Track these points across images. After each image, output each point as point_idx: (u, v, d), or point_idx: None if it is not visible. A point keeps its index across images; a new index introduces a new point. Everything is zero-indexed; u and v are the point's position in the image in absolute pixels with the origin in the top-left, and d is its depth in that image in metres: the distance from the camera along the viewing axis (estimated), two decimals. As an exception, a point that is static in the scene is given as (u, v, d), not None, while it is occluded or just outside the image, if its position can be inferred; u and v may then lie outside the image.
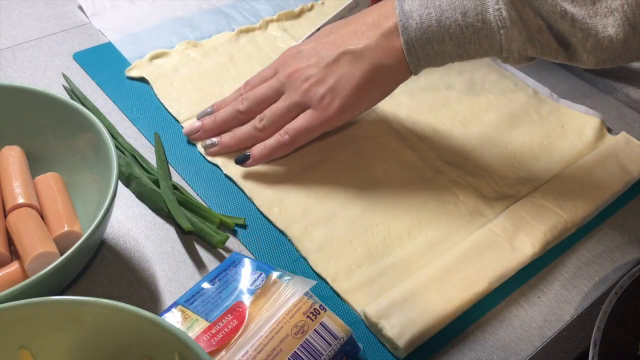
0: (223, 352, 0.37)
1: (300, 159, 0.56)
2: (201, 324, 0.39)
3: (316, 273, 0.48)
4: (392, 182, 0.55)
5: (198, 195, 0.53)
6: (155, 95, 0.62)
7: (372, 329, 0.45)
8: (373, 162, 0.57)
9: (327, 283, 0.47)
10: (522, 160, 0.58)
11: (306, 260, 0.49)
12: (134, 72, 0.64)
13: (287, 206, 0.52)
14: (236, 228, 0.51)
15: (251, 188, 0.53)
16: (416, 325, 0.43)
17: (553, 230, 0.51)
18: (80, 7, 0.73)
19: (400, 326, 0.43)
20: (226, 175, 0.55)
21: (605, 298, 0.43)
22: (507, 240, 0.49)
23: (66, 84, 0.62)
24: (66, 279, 0.43)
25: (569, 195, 0.53)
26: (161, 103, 0.61)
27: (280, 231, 0.51)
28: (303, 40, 0.61)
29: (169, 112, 0.61)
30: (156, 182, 0.52)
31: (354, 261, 0.49)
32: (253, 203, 0.53)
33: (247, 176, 0.54)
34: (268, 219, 0.51)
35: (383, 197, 0.54)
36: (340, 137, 0.59)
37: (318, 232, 0.50)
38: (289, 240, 0.50)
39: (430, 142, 0.59)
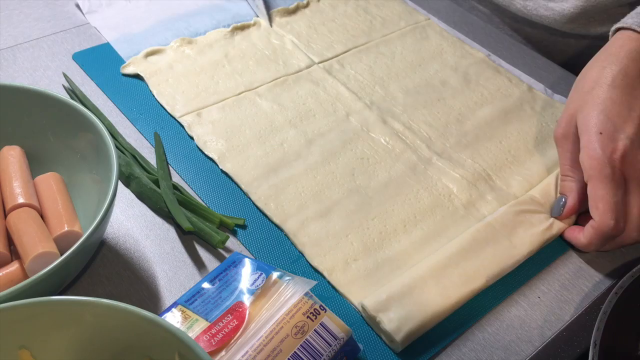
0: (223, 352, 0.37)
1: (295, 154, 0.57)
2: (201, 324, 0.39)
3: (313, 267, 0.48)
4: (387, 177, 0.56)
5: (198, 195, 0.53)
6: (151, 92, 0.62)
7: (369, 322, 0.45)
8: (368, 157, 0.57)
9: (324, 277, 0.48)
10: (517, 155, 0.59)
11: (303, 255, 0.49)
12: (129, 69, 0.65)
13: (283, 201, 0.52)
14: (236, 228, 0.51)
15: (247, 184, 0.54)
16: (413, 320, 0.43)
17: (551, 228, 0.51)
18: (77, 5, 0.73)
19: (398, 320, 0.43)
20: (222, 171, 0.55)
21: (605, 298, 0.43)
22: (506, 236, 0.50)
23: (66, 84, 0.62)
24: (66, 279, 0.43)
25: None
26: (157, 100, 0.62)
27: (277, 226, 0.51)
28: None
29: (164, 109, 0.61)
30: (156, 182, 0.52)
31: (350, 255, 0.49)
32: (250, 199, 0.53)
33: (243, 172, 0.55)
34: (264, 214, 0.52)
35: (378, 192, 0.54)
36: (335, 133, 0.59)
37: (314, 226, 0.51)
38: (286, 235, 0.50)
39: (425, 138, 0.60)
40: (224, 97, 0.62)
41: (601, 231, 0.48)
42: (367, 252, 0.49)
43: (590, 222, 0.49)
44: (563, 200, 0.52)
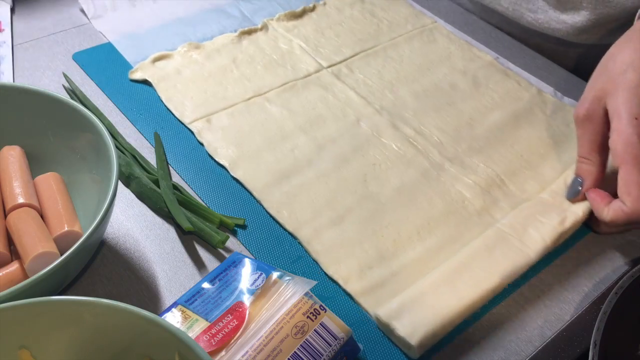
0: (223, 352, 0.37)
1: (306, 161, 0.56)
2: (201, 324, 0.39)
3: (328, 276, 0.48)
4: (400, 183, 0.55)
5: (198, 195, 0.53)
6: (159, 97, 0.62)
7: (384, 331, 0.44)
8: (380, 163, 0.57)
9: (339, 285, 0.47)
10: (529, 159, 0.58)
11: (317, 263, 0.48)
12: (137, 75, 0.64)
13: (296, 209, 0.52)
14: (236, 228, 0.51)
15: (260, 191, 0.53)
16: (428, 323, 0.42)
17: (564, 222, 0.50)
18: (82, 10, 0.72)
19: (412, 325, 0.42)
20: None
21: (605, 298, 0.43)
22: (517, 237, 0.49)
23: (66, 84, 0.62)
24: (66, 279, 0.43)
25: None
26: (165, 105, 0.61)
27: (290, 234, 0.50)
28: None
29: (172, 114, 0.60)
30: (156, 182, 0.52)
31: (365, 263, 0.48)
32: (261, 205, 0.52)
33: (255, 180, 0.54)
34: (278, 222, 0.51)
35: (391, 198, 0.53)
36: (345, 138, 0.59)
37: (328, 234, 0.50)
38: (299, 243, 0.50)
39: (436, 143, 0.59)
40: (233, 103, 0.62)
41: (633, 216, 0.47)
42: (382, 260, 0.49)
43: (620, 204, 0.48)
44: (579, 181, 0.51)
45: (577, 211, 0.51)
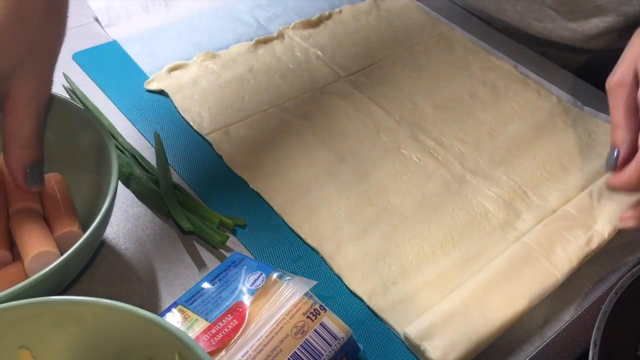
0: (223, 352, 0.37)
1: (327, 173, 0.55)
2: (201, 324, 0.39)
3: (351, 291, 0.47)
4: (421, 196, 0.54)
5: (198, 195, 0.53)
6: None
7: (413, 350, 0.44)
8: (400, 175, 0.56)
9: (363, 301, 0.46)
10: (552, 170, 0.57)
11: (340, 278, 0.48)
12: (152, 85, 0.63)
13: (317, 223, 0.51)
14: (236, 228, 0.51)
15: (280, 205, 0.52)
16: (459, 347, 0.42)
17: (590, 243, 0.50)
18: (96, 19, 0.71)
19: (443, 349, 0.42)
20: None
21: (605, 298, 0.43)
22: (544, 255, 0.48)
23: (66, 84, 0.62)
24: (66, 279, 0.43)
25: (603, 208, 0.52)
26: (182, 117, 0.60)
27: (312, 249, 0.50)
28: None
29: (190, 125, 0.59)
30: (156, 182, 0.52)
31: (389, 278, 0.48)
32: (283, 220, 0.52)
33: (275, 193, 0.53)
34: (299, 236, 0.50)
35: (413, 212, 0.53)
36: (365, 150, 0.58)
37: (350, 249, 0.49)
38: (321, 257, 0.49)
39: (457, 154, 0.58)
40: (251, 114, 0.61)
41: None
42: (406, 275, 0.48)
43: (636, 156, 0.47)
44: (616, 153, 0.50)
45: (603, 232, 0.51)
